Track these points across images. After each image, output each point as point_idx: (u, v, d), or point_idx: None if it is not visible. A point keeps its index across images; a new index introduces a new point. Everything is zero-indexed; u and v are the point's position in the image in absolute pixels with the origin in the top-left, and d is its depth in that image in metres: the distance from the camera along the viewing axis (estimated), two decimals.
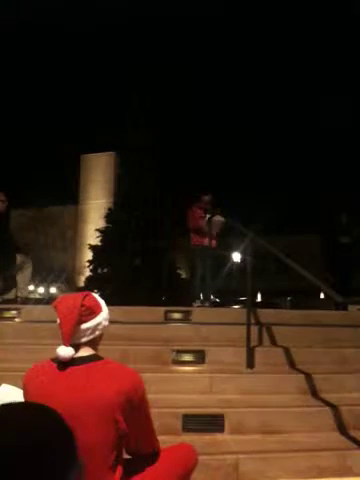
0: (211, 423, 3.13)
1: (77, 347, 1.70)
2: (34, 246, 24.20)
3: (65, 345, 1.66)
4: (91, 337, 1.72)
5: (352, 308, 6.22)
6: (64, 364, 1.66)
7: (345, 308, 6.19)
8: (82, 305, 1.70)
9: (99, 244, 18.60)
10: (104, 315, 1.78)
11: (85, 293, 1.78)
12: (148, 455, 1.76)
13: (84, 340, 1.71)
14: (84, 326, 1.70)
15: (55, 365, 1.68)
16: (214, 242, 6.90)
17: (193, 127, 47.87)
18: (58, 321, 1.71)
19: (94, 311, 1.74)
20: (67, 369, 1.65)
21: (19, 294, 5.88)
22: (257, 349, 4.03)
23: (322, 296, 16.41)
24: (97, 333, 1.74)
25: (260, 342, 4.25)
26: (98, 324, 1.74)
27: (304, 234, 26.73)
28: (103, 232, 18.75)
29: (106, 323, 1.79)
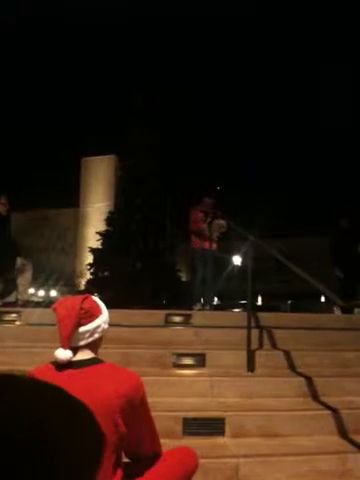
0: (211, 426, 3.12)
1: (76, 350, 1.70)
2: (34, 249, 24.22)
3: (63, 348, 1.66)
4: (90, 340, 1.72)
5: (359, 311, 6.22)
6: (63, 367, 1.66)
7: (351, 311, 6.17)
8: (81, 308, 1.70)
9: (100, 247, 18.60)
10: (104, 318, 1.78)
11: (85, 296, 1.78)
12: (148, 458, 1.75)
13: (83, 343, 1.71)
14: (83, 329, 1.70)
15: (54, 368, 1.67)
16: (215, 245, 6.90)
17: (194, 129, 48.01)
18: (57, 324, 1.71)
19: (93, 314, 1.73)
20: (66, 372, 1.65)
21: (19, 297, 5.88)
22: (258, 352, 4.02)
23: (323, 299, 16.41)
24: (96, 336, 1.74)
25: (261, 345, 4.25)
26: (97, 327, 1.73)
27: (305, 236, 26.75)
28: (104, 235, 18.74)
29: (106, 326, 1.79)
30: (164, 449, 1.85)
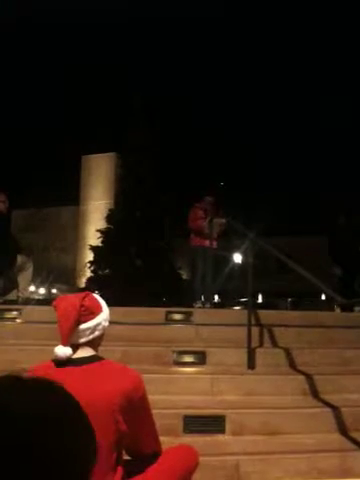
0: (212, 424, 3.12)
1: (76, 347, 1.69)
2: (35, 247, 24.22)
3: (63, 345, 1.65)
4: (90, 337, 1.72)
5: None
6: (63, 364, 1.65)
7: (351, 310, 6.16)
8: (81, 305, 1.70)
9: (100, 245, 18.61)
10: (104, 316, 1.78)
11: (85, 293, 1.78)
12: (149, 456, 1.76)
13: (83, 340, 1.70)
14: (83, 326, 1.70)
15: (54, 366, 1.67)
16: (215, 243, 6.89)
17: (193, 127, 48.01)
18: (57, 321, 1.71)
19: (94, 311, 1.73)
20: (65, 369, 1.64)
21: (20, 295, 5.88)
22: (258, 350, 4.02)
23: (323, 297, 16.42)
24: (96, 333, 1.74)
25: (261, 343, 4.24)
26: (98, 325, 1.73)
27: (305, 235, 26.74)
28: (104, 233, 18.76)
29: (106, 324, 1.79)
30: (164, 447, 1.85)
